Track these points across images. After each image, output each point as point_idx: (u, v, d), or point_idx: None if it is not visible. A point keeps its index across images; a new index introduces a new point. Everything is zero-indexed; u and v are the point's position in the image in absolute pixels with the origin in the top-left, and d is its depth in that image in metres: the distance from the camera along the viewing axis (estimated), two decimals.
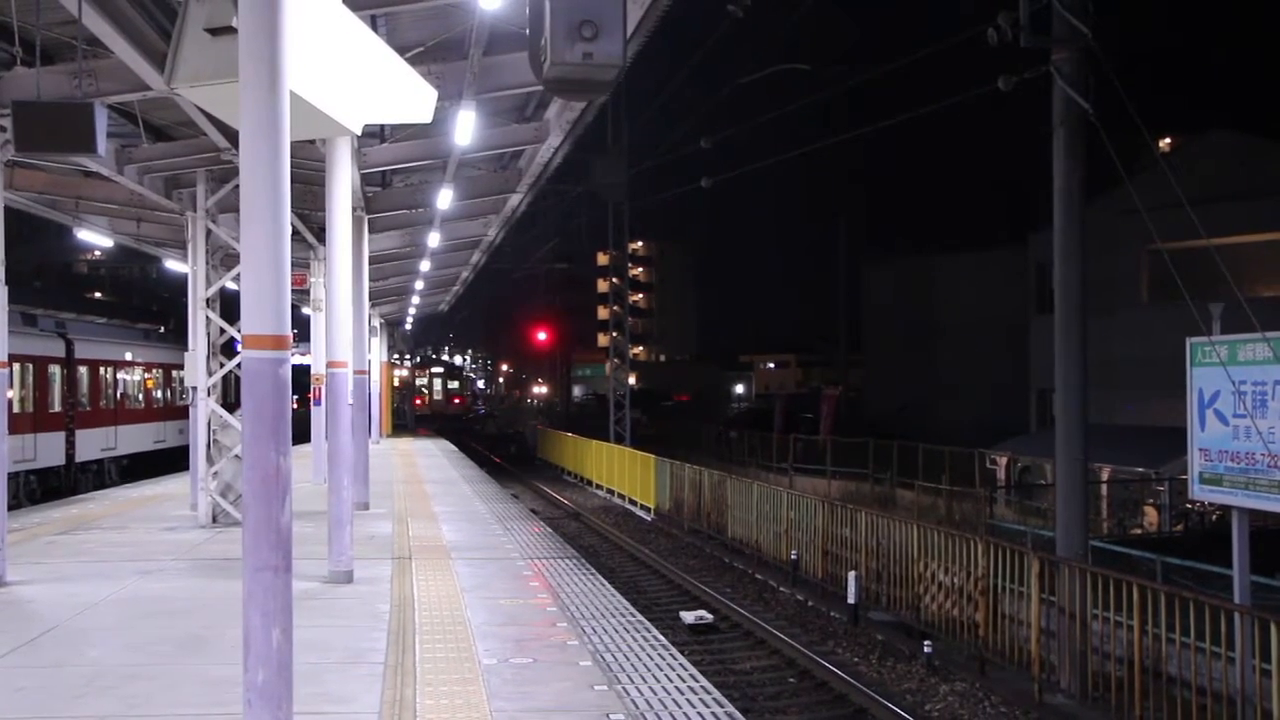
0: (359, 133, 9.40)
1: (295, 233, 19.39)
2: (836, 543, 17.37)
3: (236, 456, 14.91)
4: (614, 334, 48.23)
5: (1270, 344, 10.31)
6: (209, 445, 15.88)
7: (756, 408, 68.83)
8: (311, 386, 23.82)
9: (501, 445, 58.95)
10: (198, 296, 16.49)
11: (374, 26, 10.98)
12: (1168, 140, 39.05)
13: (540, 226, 53.53)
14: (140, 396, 32.96)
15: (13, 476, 23.11)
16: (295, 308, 27.63)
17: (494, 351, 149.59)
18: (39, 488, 25.07)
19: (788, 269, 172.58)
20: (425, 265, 29.84)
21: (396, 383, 66.46)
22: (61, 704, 7.26)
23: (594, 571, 13.30)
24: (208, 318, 16.26)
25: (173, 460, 31.96)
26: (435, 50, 12.66)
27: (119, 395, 30.83)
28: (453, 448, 41.18)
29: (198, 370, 16.18)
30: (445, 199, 19.07)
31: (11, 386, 23.47)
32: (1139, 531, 21.33)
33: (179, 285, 20.34)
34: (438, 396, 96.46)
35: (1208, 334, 11.21)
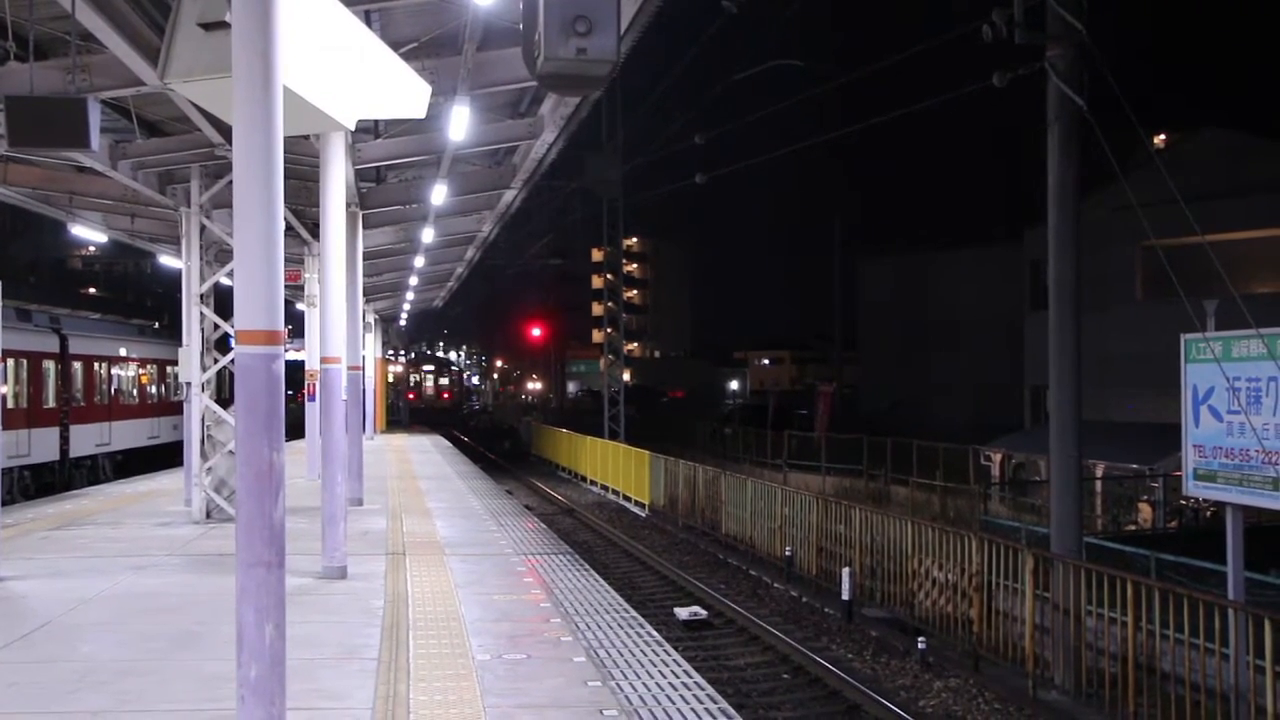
0: (353, 128, 9.39)
1: (289, 228, 19.36)
2: (831, 539, 17.37)
3: (230, 452, 14.90)
4: (608, 330, 48.26)
5: (1264, 340, 10.32)
6: (203, 441, 15.87)
7: (751, 404, 68.86)
8: (306, 382, 23.79)
9: (496, 441, 58.94)
10: (192, 292, 16.47)
11: (368, 22, 10.97)
12: (1162, 137, 39.09)
13: (535, 222, 53.59)
14: (134, 392, 32.90)
15: (6, 472, 23.08)
16: (290, 303, 27.74)
17: (488, 347, 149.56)
18: (33, 483, 25.03)
19: (783, 265, 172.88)
20: (420, 261, 29.82)
21: (391, 378, 66.39)
22: (54, 699, 7.24)
23: (588, 567, 13.30)
24: (202, 313, 16.24)
25: (167, 456, 31.95)
26: (429, 45, 12.65)
27: (113, 391, 30.78)
28: (447, 444, 41.18)
29: (192, 366, 16.16)
30: (439, 195, 19.05)
31: (5, 382, 23.42)
32: (1133, 528, 21.35)
33: (173, 281, 20.35)
34: (429, 392, 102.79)
35: (1202, 330, 11.21)
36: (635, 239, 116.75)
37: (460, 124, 13.99)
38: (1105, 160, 11.96)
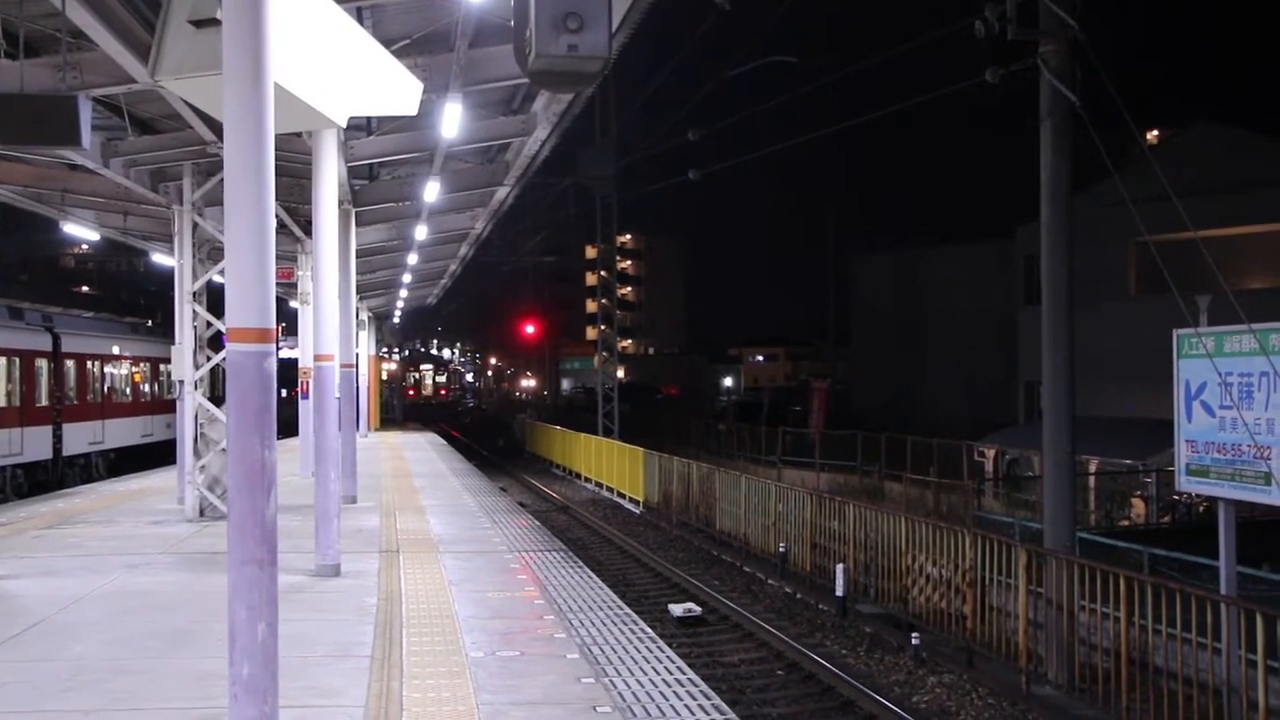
0: (345, 125, 9.38)
1: (282, 226, 19.33)
2: (825, 535, 17.37)
3: (224, 450, 14.86)
4: (602, 327, 48.26)
5: (1256, 335, 10.33)
6: (196, 439, 15.85)
7: (745, 400, 68.86)
8: (299, 380, 23.77)
9: (489, 438, 58.89)
10: (184, 290, 16.43)
11: (359, 19, 10.96)
12: (1154, 133, 39.17)
13: (528, 220, 53.53)
14: (127, 390, 32.85)
15: None
16: (283, 301, 27.69)
17: (482, 345, 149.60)
18: (25, 482, 24.98)
19: (777, 262, 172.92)
20: (413, 258, 29.81)
21: (385, 376, 66.39)
22: (46, 699, 7.23)
23: (582, 564, 13.30)
24: (194, 311, 16.21)
25: (160, 454, 31.89)
26: (421, 43, 12.63)
27: (106, 389, 30.73)
28: (441, 441, 41.14)
29: (184, 364, 16.14)
30: (432, 192, 19.04)
31: None
32: (1126, 523, 21.39)
33: (166, 279, 20.29)
34: (427, 390, 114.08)
35: (1194, 326, 11.22)
36: (629, 235, 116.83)
37: (453, 121, 13.98)
38: (1098, 156, 11.97)
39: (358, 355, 26.28)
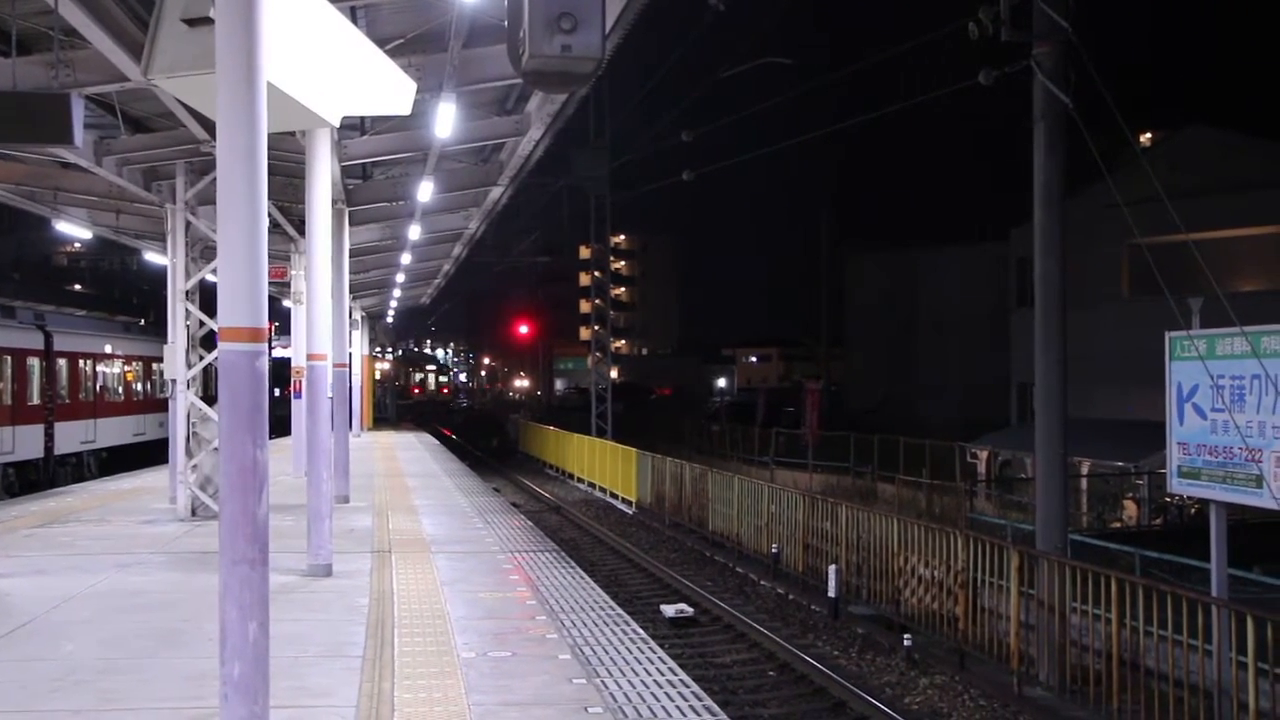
0: (338, 125, 9.37)
1: (275, 225, 19.32)
2: (817, 536, 17.38)
3: (216, 449, 14.85)
4: (596, 327, 48.22)
5: (1248, 338, 10.35)
6: (188, 438, 15.82)
7: (739, 401, 68.87)
8: (292, 379, 23.75)
9: (483, 437, 58.88)
10: (177, 289, 16.41)
11: (353, 18, 10.94)
12: (1148, 135, 39.21)
13: (522, 220, 53.55)
14: (120, 389, 32.80)
15: None
16: (276, 300, 27.68)
17: (476, 345, 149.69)
18: (17, 481, 24.94)
19: (771, 263, 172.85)
20: (406, 258, 29.78)
21: (378, 376, 66.39)
22: (36, 699, 7.21)
23: (574, 565, 13.30)
24: (187, 310, 16.19)
25: (153, 453, 31.84)
26: (415, 42, 12.61)
27: (98, 388, 30.68)
28: (435, 441, 41.14)
29: (177, 363, 16.11)
30: (426, 192, 19.02)
31: None
32: (1118, 525, 21.41)
33: (159, 278, 20.26)
34: (430, 387, 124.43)
35: (1187, 328, 11.24)
36: (623, 236, 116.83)
37: (446, 121, 13.96)
38: (1091, 158, 11.98)
39: (351, 355, 26.25)
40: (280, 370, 26.49)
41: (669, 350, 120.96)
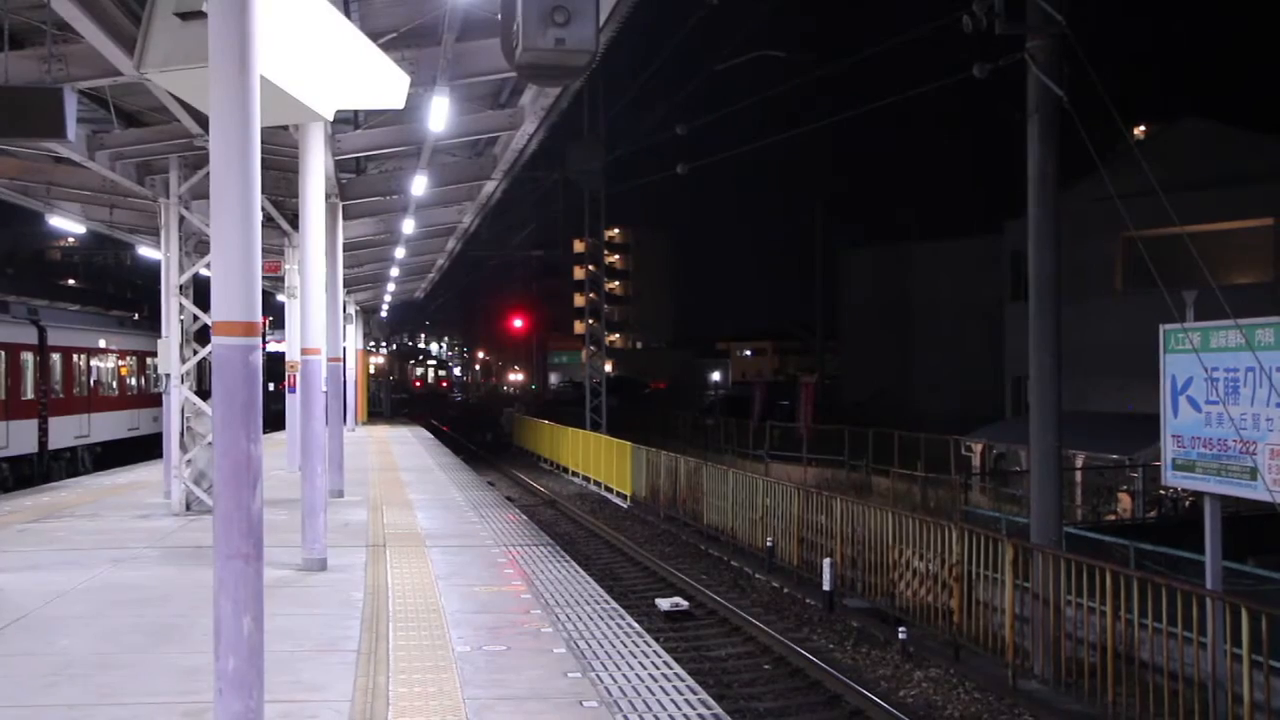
0: (332, 119, 9.34)
1: (269, 219, 19.27)
2: (812, 530, 17.40)
3: (210, 444, 14.83)
4: (590, 321, 48.22)
5: (1243, 331, 10.35)
6: (183, 433, 15.80)
7: (733, 395, 68.88)
8: (286, 374, 23.71)
9: (477, 431, 58.87)
10: (171, 283, 16.39)
11: (346, 11, 10.90)
12: (1142, 128, 39.25)
13: (516, 213, 53.51)
14: (114, 384, 32.74)
15: None
16: (270, 294, 27.62)
17: (470, 338, 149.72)
18: (11, 475, 24.89)
19: (765, 256, 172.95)
20: (400, 252, 29.74)
21: (372, 370, 66.32)
22: (31, 694, 7.20)
23: (569, 559, 13.29)
24: (181, 305, 16.16)
25: (147, 448, 31.79)
26: (408, 36, 12.58)
27: (93, 382, 30.63)
28: (429, 435, 41.11)
29: (171, 357, 16.10)
30: (420, 186, 19.00)
31: None
32: (1113, 518, 21.46)
33: (153, 272, 20.16)
34: (431, 380, 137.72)
35: (1181, 321, 11.24)
36: (617, 230, 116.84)
37: (440, 115, 13.94)
38: (1085, 151, 11.98)
39: (345, 349, 26.21)
40: (274, 365, 26.43)
41: (663, 344, 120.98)
